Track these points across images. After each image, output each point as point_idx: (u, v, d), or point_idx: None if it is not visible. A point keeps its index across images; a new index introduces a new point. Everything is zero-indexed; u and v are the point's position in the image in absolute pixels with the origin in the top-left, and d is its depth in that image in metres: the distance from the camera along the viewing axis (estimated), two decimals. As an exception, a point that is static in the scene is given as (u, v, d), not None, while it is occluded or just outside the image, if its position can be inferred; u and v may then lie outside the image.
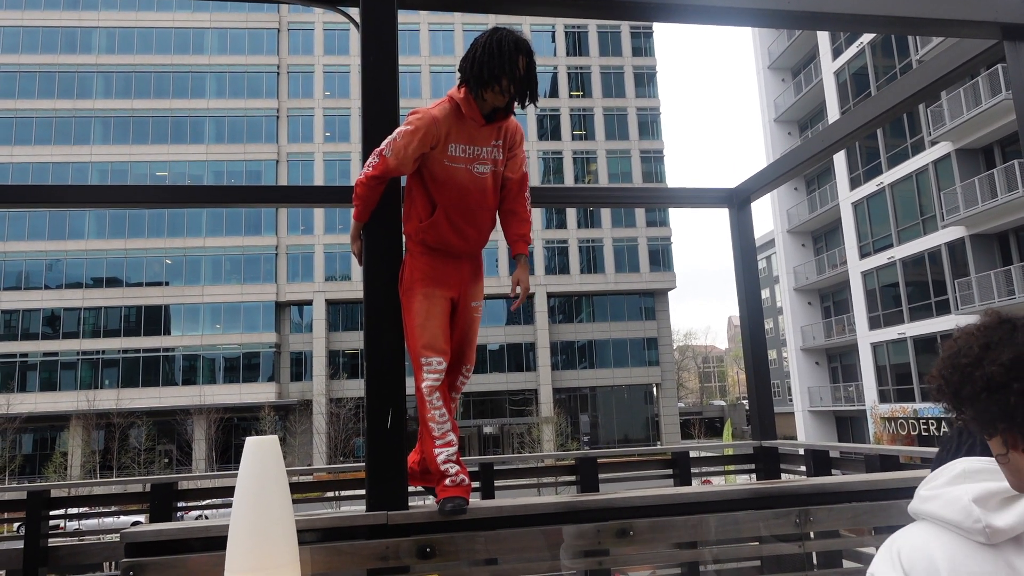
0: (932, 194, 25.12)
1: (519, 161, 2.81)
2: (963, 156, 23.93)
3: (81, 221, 42.72)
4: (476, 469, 4.57)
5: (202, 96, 44.87)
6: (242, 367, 43.04)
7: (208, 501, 5.10)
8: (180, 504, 4.72)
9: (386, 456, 2.36)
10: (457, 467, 2.47)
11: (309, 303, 44.46)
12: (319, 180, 44.74)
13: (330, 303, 44.60)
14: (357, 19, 3.09)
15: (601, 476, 5.02)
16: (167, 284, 43.23)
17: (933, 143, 24.86)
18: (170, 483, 4.59)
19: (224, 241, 43.55)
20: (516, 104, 2.62)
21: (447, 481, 2.43)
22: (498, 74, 2.49)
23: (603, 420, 45.75)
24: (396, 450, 2.37)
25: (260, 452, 1.94)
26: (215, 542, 2.15)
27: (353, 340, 44.40)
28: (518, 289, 2.71)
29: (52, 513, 4.40)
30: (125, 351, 41.77)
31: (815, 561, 2.81)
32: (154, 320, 42.51)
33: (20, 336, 41.17)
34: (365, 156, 2.59)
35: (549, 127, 47.11)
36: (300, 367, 44.37)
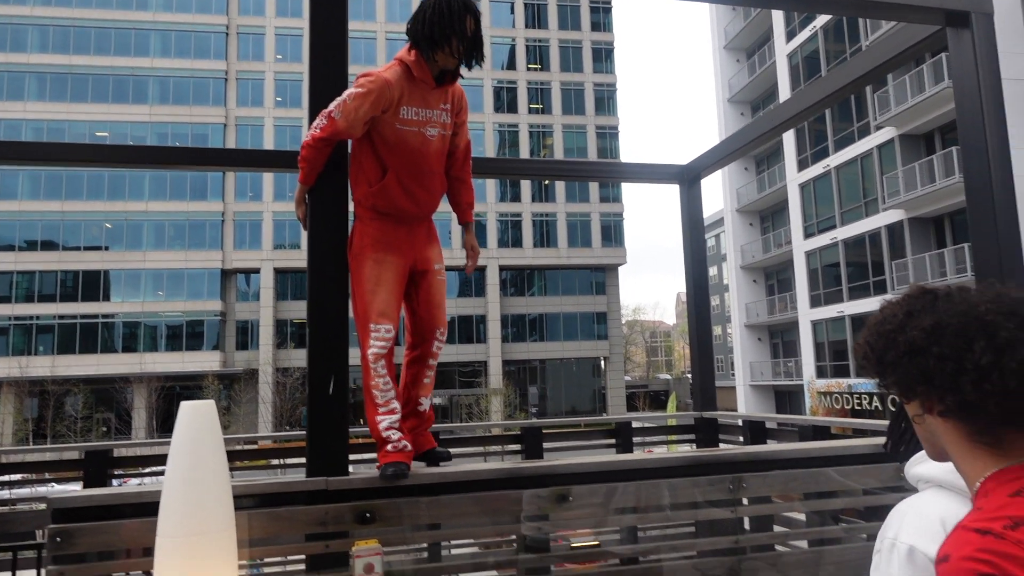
0: (875, 177, 25.89)
1: (466, 128, 2.82)
2: (906, 141, 24.68)
3: (14, 181, 40.75)
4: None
5: (146, 54, 43.02)
6: (185, 335, 42.00)
7: (150, 469, 5.00)
8: (117, 472, 4.61)
9: (327, 422, 2.34)
10: (399, 434, 2.47)
11: (257, 271, 43.52)
12: (269, 146, 43.50)
13: (279, 271, 43.76)
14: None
15: (546, 445, 5.10)
16: (107, 249, 41.68)
17: (878, 128, 25.56)
18: (105, 450, 4.47)
19: (168, 206, 42.15)
20: (463, 67, 2.63)
21: (388, 447, 2.42)
22: (448, 35, 2.49)
23: (551, 392, 46.31)
24: (338, 417, 2.35)
25: (195, 417, 1.90)
26: (148, 508, 2.11)
27: (301, 309, 43.63)
28: (471, 253, 2.83)
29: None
30: (61, 317, 40.29)
31: (747, 526, 2.92)
32: (92, 285, 41.03)
33: (-53, 300, 39.40)
34: (312, 119, 2.52)
35: (506, 99, 46.75)
36: (246, 336, 43.55)
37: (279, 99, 44.58)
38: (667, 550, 2.58)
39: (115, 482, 4.68)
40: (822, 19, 28.79)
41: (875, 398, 26.14)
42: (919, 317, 1.09)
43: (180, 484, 1.82)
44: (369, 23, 45.11)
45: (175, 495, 1.81)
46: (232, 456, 5.94)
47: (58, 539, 2.04)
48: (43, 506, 4.72)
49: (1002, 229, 3.03)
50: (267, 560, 2.46)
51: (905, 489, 2.47)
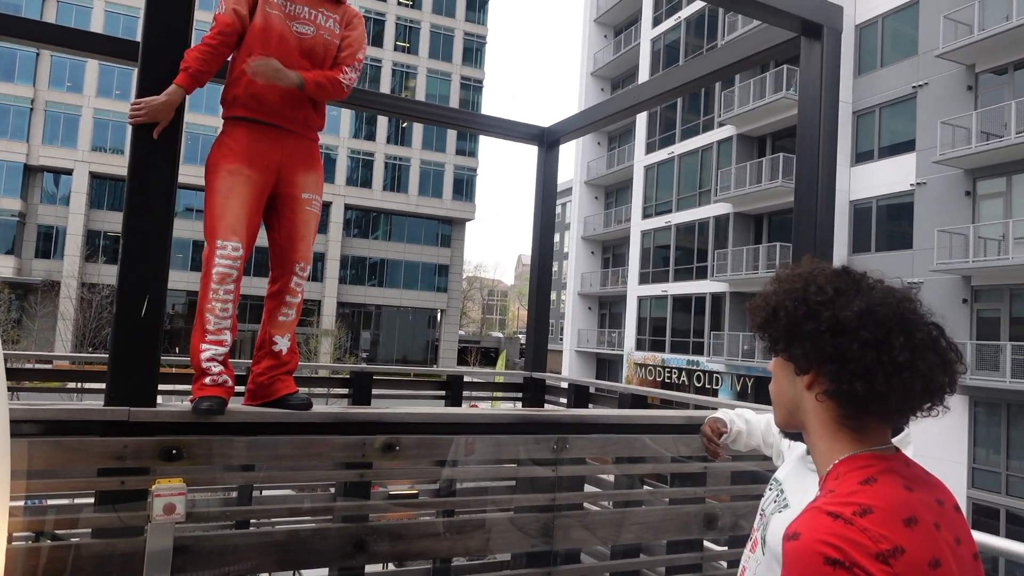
0: (712, 170, 27.78)
1: (351, 52, 2.64)
2: (742, 141, 26.64)
3: None
4: (243, 374, 4.32)
5: None
6: (-28, 233, 36.90)
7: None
8: None
9: (136, 346, 2.11)
10: (221, 367, 2.28)
11: (69, 172, 38.90)
12: (97, 30, 38.64)
13: (95, 176, 39.41)
14: None
15: (375, 392, 5.01)
16: None
17: (721, 124, 27.35)
18: None
19: (-38, 80, 36.39)
20: None
21: (207, 380, 2.23)
22: None
23: (384, 339, 45.97)
24: (149, 341, 2.12)
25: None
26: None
27: (117, 221, 39.64)
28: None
29: None
30: None
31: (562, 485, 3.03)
32: None
33: None
34: (150, 10, 2.21)
35: (372, 32, 44.70)
36: (49, 243, 39.00)
37: (114, -19, 39.62)
38: (487, 504, 2.62)
39: None
40: (688, 10, 30.11)
41: (684, 373, 28.48)
42: (847, 297, 1.10)
43: (-57, 403, 1.56)
44: None
45: (-66, 415, 1.54)
46: (17, 375, 5.30)
47: None
48: None
49: (820, 230, 3.32)
50: (50, 495, 2.20)
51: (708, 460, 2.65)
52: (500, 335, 74.21)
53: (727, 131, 27.10)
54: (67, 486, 2.12)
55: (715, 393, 26.31)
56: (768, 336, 1.19)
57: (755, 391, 24.71)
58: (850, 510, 0.96)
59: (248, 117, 2.46)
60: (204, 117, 36.33)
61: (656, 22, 32.81)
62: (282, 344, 2.53)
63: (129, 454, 2.00)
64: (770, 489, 1.49)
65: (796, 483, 1.43)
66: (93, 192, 39.50)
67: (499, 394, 6.41)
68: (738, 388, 25.72)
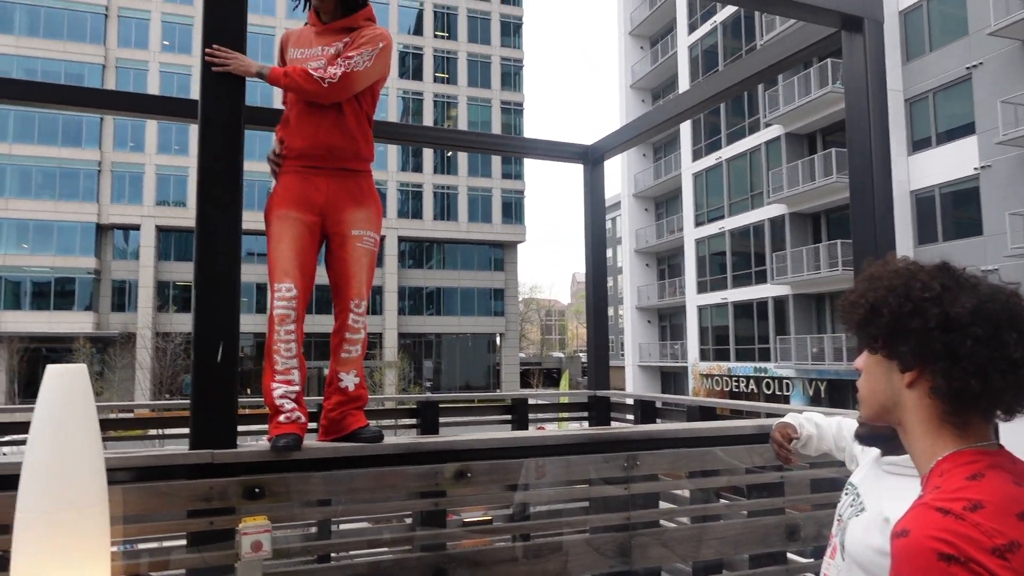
0: (762, 172, 27.28)
1: (350, 52, 2.57)
2: (791, 140, 26.11)
3: None
4: (315, 410, 4.43)
5: (12, -20, 38.98)
6: (53, 293, 38.87)
7: (10, 437, 4.59)
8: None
9: (214, 391, 2.20)
10: (294, 404, 2.36)
11: (136, 228, 40.76)
12: (154, 92, 40.65)
13: (161, 230, 41.18)
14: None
15: (442, 420, 5.07)
16: (-39, 194, 37.85)
17: (767, 125, 26.89)
18: (-45, 416, 4.05)
19: (36, 150, 38.59)
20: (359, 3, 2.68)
21: (281, 417, 2.31)
22: None
23: (446, 366, 46.33)
24: (226, 385, 2.22)
25: (64, 381, 1.74)
26: (7, 481, 1.92)
27: (185, 271, 41.33)
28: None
29: None
30: (-95, 267, 36.39)
31: (637, 503, 3.01)
32: (-57, 234, 37.23)
33: None
34: (203, 66, 2.34)
35: (412, 66, 45.75)
36: (123, 297, 40.82)
37: (166, 43, 41.61)
38: (562, 527, 2.62)
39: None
40: (723, 14, 29.85)
41: (751, 381, 27.80)
42: (955, 293, 1.08)
43: (45, 454, 1.66)
44: None
45: (38, 467, 1.65)
46: (103, 425, 5.56)
47: None
48: None
49: (879, 225, 3.24)
50: (144, 538, 2.31)
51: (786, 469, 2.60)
52: (561, 355, 73.95)
53: (775, 131, 26.62)
54: (160, 529, 2.22)
55: (786, 400, 25.59)
56: (867, 334, 1.17)
57: (828, 395, 23.91)
58: (960, 505, 0.94)
59: (293, 164, 2.58)
60: (258, 164, 37.68)
61: (691, 29, 32.62)
62: (348, 380, 2.58)
63: (215, 495, 2.08)
64: (846, 494, 1.47)
65: (872, 486, 1.40)
66: (160, 244, 41.25)
67: (564, 414, 6.39)
68: (810, 393, 24.94)
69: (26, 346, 36.50)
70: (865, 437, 1.45)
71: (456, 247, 46.69)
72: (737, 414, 5.25)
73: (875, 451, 1.46)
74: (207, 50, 2.30)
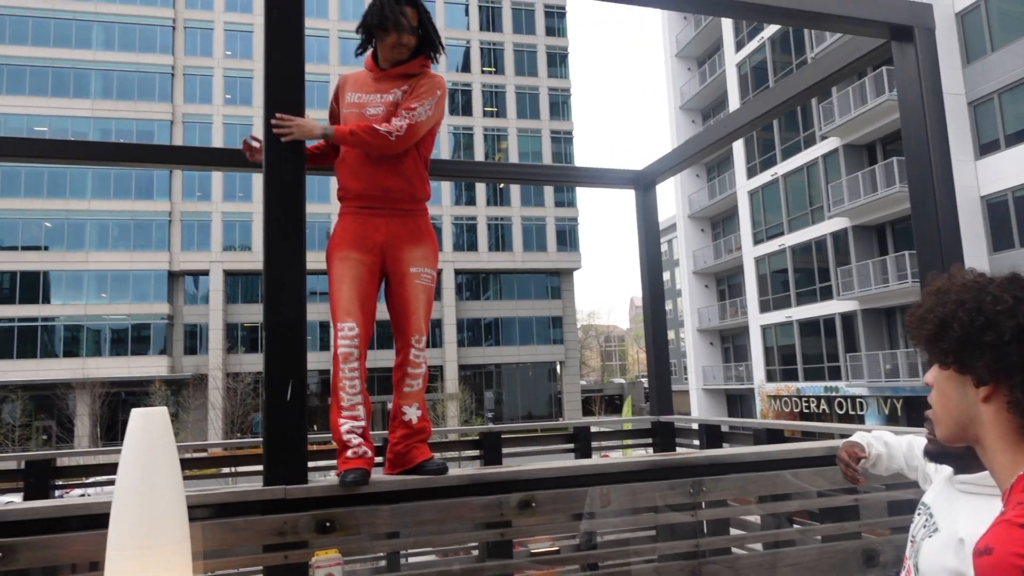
0: (821, 186, 26.65)
1: (409, 103, 2.65)
2: (849, 151, 25.47)
3: (-55, 177, 39.00)
4: (380, 444, 4.52)
5: (88, 46, 41.60)
6: (131, 339, 40.70)
7: (94, 479, 4.82)
8: (59, 482, 4.43)
9: (285, 429, 2.29)
10: (360, 439, 2.42)
11: (205, 273, 42.45)
12: (218, 144, 42.54)
13: (228, 274, 42.78)
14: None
15: (504, 450, 5.08)
16: (46, 249, 40.13)
17: (823, 138, 26.32)
18: (47, 459, 4.29)
19: (112, 204, 40.80)
20: (432, 56, 2.75)
21: (349, 453, 2.38)
22: (386, 27, 2.63)
23: (507, 396, 46.31)
24: (296, 423, 2.30)
25: (147, 424, 1.84)
26: (96, 520, 2.03)
27: (252, 313, 42.76)
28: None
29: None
30: (-2, 320, 38.68)
31: (705, 529, 2.96)
32: (31, 287, 39.44)
33: None
34: (267, 117, 2.47)
35: (460, 102, 46.68)
36: (195, 340, 42.42)
37: (228, 96, 43.63)
38: (628, 555, 2.60)
39: (57, 493, 4.49)
40: (770, 30, 29.55)
41: (822, 401, 26.87)
42: None
43: (132, 494, 1.76)
44: (322, 20, 44.55)
45: (126, 506, 1.74)
46: (184, 465, 5.77)
47: (0, 554, 1.94)
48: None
49: (944, 235, 3.15)
50: (223, 572, 2.39)
51: (857, 492, 2.52)
52: (622, 381, 73.03)
53: (831, 143, 26.03)
54: (238, 563, 2.31)
55: (860, 419, 24.61)
56: (938, 349, 1.15)
57: (905, 412, 22.90)
58: None
59: (351, 205, 2.68)
60: (317, 206, 38.89)
61: (739, 47, 32.37)
62: (411, 414, 2.64)
63: (288, 529, 2.15)
64: (919, 514, 1.42)
65: (945, 506, 1.36)
66: (227, 288, 42.81)
67: (628, 441, 6.32)
68: (886, 411, 23.93)
69: (107, 391, 38.18)
70: (935, 454, 1.41)
71: (512, 277, 46.95)
72: (809, 436, 5.10)
73: (948, 469, 1.42)
74: (272, 120, 2.43)
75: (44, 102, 40.49)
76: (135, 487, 1.75)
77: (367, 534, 2.25)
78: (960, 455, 1.32)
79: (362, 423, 2.47)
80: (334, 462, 2.50)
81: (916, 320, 1.20)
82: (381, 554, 2.87)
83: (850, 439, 1.95)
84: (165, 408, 1.87)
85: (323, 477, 2.48)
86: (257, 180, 43.45)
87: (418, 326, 2.69)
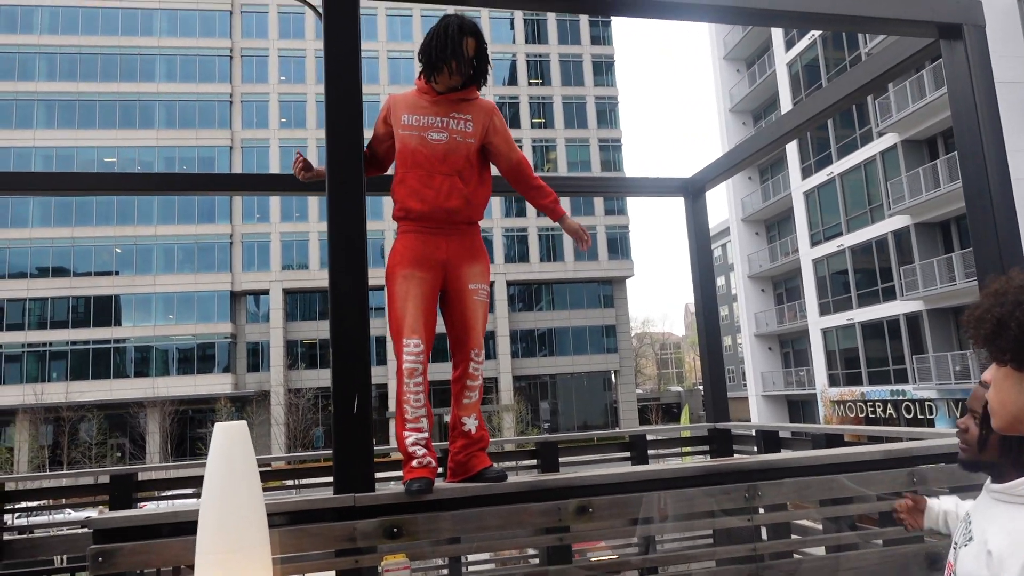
0: (880, 184, 25.90)
1: (510, 146, 2.97)
2: (908, 147, 24.71)
3: (25, 208, 41.24)
4: (441, 455, 4.64)
5: (151, 80, 43.60)
6: (196, 358, 42.21)
7: (169, 492, 5.07)
8: (140, 495, 4.69)
9: (353, 440, 2.42)
10: (424, 450, 2.53)
11: (266, 292, 43.77)
12: (275, 166, 43.93)
13: (287, 292, 43.99)
14: (318, 5, 3.12)
15: (561, 460, 5.14)
16: (117, 274, 42.06)
17: (880, 134, 25.61)
18: (130, 474, 4.55)
19: (176, 229, 42.54)
20: (476, 83, 2.85)
21: (414, 463, 2.50)
22: (447, 57, 2.72)
23: (563, 407, 46.20)
24: (363, 434, 2.43)
25: (229, 437, 1.97)
26: (184, 527, 2.19)
27: (311, 330, 43.84)
28: (580, 233, 3.10)
29: (10, 507, 4.33)
30: (74, 343, 40.59)
31: (764, 534, 2.97)
32: (104, 311, 41.35)
33: (-39, 328, 39.71)
34: (329, 140, 2.63)
35: (508, 115, 47.07)
36: (257, 357, 43.71)
37: (283, 120, 45.05)
38: (686, 560, 2.64)
39: (138, 505, 4.75)
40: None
41: (889, 405, 26.00)
42: None
43: (216, 503, 1.89)
44: (371, 42, 45.64)
45: (212, 513, 1.88)
46: (251, 477, 5.99)
47: (99, 559, 2.11)
48: (59, 532, 4.80)
49: (1002, 232, 3.10)
50: (298, 576, 2.53)
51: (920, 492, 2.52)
52: (679, 389, 71.98)
53: (889, 139, 25.31)
54: (312, 568, 2.44)
55: (930, 423, 23.72)
56: (996, 347, 1.22)
57: (978, 415, 21.93)
58: None
59: (411, 225, 2.79)
60: (370, 223, 39.74)
61: (789, 45, 31.81)
62: (470, 424, 2.76)
63: (359, 535, 2.27)
64: (962, 521, 1.46)
65: (981, 514, 1.39)
66: (287, 306, 44.00)
67: (686, 449, 6.30)
68: (956, 414, 23.00)
69: (175, 408, 39.64)
70: (968, 463, 1.45)
71: (564, 287, 46.92)
72: (874, 441, 5.00)
73: (987, 478, 1.44)
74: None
75: (113, 134, 42.54)
76: (219, 496, 1.89)
77: (432, 539, 2.35)
78: (993, 463, 1.36)
79: (425, 435, 2.59)
80: (395, 473, 2.62)
81: (974, 320, 1.26)
82: (442, 560, 2.98)
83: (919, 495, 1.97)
84: (244, 422, 2.01)
85: (389, 486, 2.60)
86: (312, 201, 44.69)
87: (477, 340, 2.80)
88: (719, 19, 3.40)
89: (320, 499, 2.31)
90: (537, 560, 2.95)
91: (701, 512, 2.59)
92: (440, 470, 2.92)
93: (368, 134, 2.87)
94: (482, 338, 2.84)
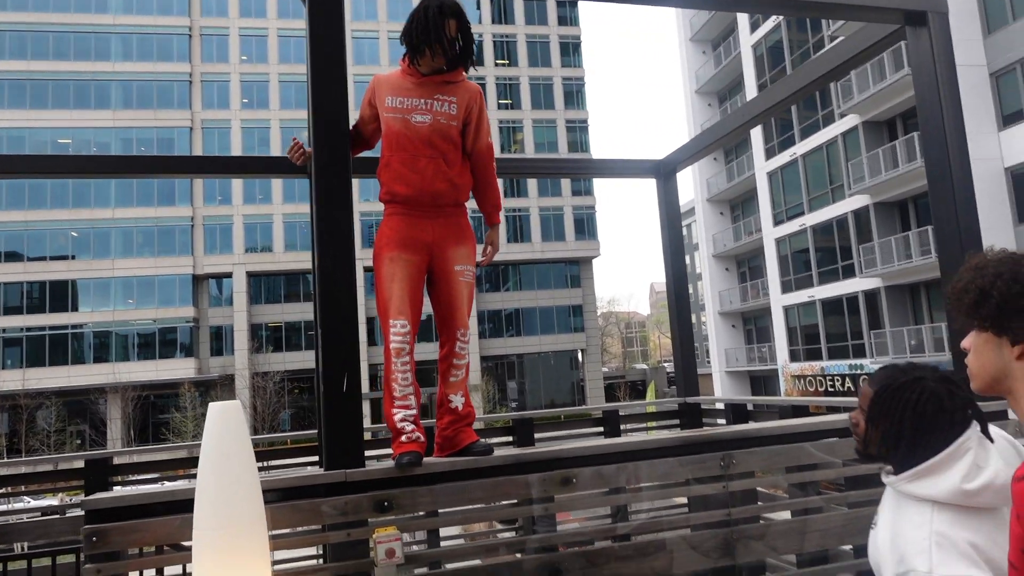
0: (841, 164, 26.46)
1: (483, 132, 2.94)
2: (869, 128, 25.25)
3: (-26, 191, 39.90)
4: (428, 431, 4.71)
5: (107, 59, 42.25)
6: (158, 343, 41.48)
7: (136, 477, 5.06)
8: (114, 480, 4.67)
9: (343, 417, 2.47)
10: (413, 425, 2.60)
11: (229, 275, 43.08)
12: (236, 148, 43.05)
13: (251, 275, 43.36)
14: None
15: (536, 436, 5.25)
16: (73, 258, 40.98)
17: (842, 116, 26.11)
18: (105, 458, 4.53)
19: (135, 212, 41.52)
20: (463, 64, 2.85)
21: (403, 438, 2.56)
22: (429, 40, 2.71)
23: (530, 386, 46.57)
24: (352, 412, 2.48)
25: (223, 416, 2.01)
26: (177, 505, 2.22)
27: (276, 313, 43.35)
28: (489, 249, 3.05)
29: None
30: (29, 329, 39.54)
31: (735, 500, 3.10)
32: (60, 296, 40.31)
33: (-90, 315, 38.39)
34: (315, 128, 2.63)
35: (474, 95, 46.69)
36: (220, 341, 43.11)
37: (245, 101, 44.11)
38: (665, 526, 2.76)
39: (111, 489, 4.73)
40: (784, 9, 29.26)
41: (847, 379, 26.77)
42: None
43: (213, 480, 1.93)
44: (371, 23, 44.91)
45: (209, 490, 1.92)
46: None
47: (94, 538, 2.14)
48: (17, 519, 4.76)
49: (961, 212, 3.25)
50: (290, 551, 2.58)
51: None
52: (645, 367, 72.97)
53: (850, 121, 25.82)
54: (304, 542, 2.49)
55: (887, 397, 24.45)
56: (978, 315, 1.37)
57: (933, 389, 22.71)
58: None
59: (398, 208, 2.82)
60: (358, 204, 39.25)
61: (754, 28, 32.13)
62: (457, 401, 2.84)
63: (350, 509, 2.33)
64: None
65: (885, 501, 1.55)
66: (251, 289, 43.40)
67: (654, 423, 6.46)
68: (912, 388, 23.76)
69: (137, 394, 38.97)
70: (862, 455, 1.59)
71: (532, 267, 47.09)
72: (835, 411, 5.20)
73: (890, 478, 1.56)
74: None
75: (67, 114, 41.21)
76: (215, 473, 1.93)
77: (423, 511, 2.42)
78: (883, 456, 1.51)
79: (413, 411, 2.65)
80: (380, 452, 2.68)
81: (957, 292, 1.41)
82: (435, 528, 3.05)
83: None
84: (238, 401, 2.05)
85: (378, 462, 2.66)
86: (276, 184, 43.93)
87: (463, 321, 2.87)
88: (693, 4, 3.47)
89: (312, 475, 2.37)
90: (514, 533, 3.04)
91: (680, 480, 2.70)
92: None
93: (355, 115, 2.88)
94: (467, 318, 2.90)
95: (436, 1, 2.74)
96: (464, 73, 2.89)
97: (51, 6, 41.80)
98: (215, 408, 2.01)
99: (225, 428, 2.00)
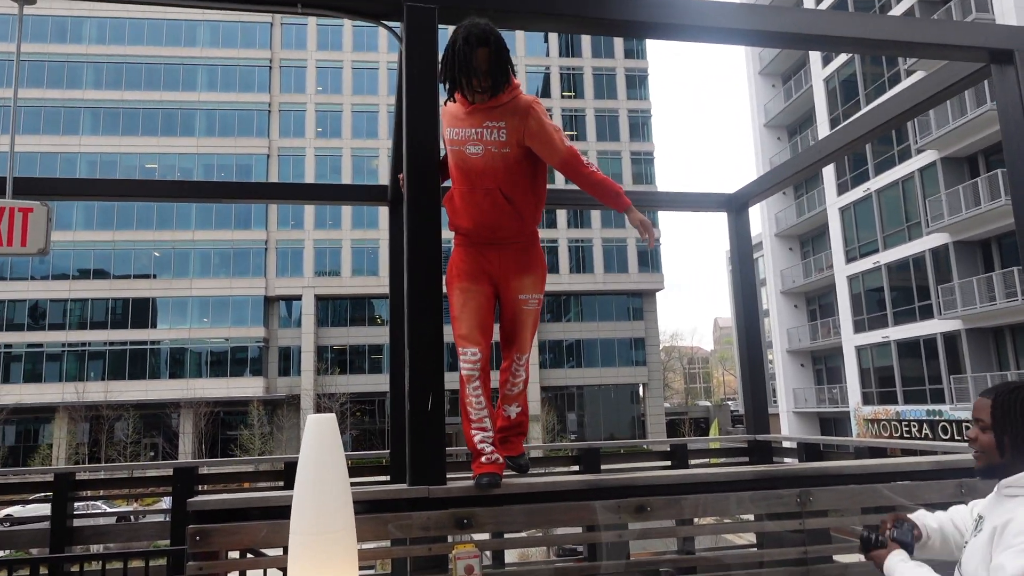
0: (917, 201, 25.59)
1: (554, 143, 2.79)
2: (948, 164, 24.40)
3: (69, 212, 42.45)
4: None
5: (193, 89, 44.71)
6: (229, 361, 42.94)
7: (229, 485, 5.29)
8: (201, 488, 4.90)
9: (427, 436, 2.58)
10: (492, 447, 2.69)
11: (298, 298, 44.44)
12: (310, 175, 44.71)
13: (319, 298, 44.61)
14: (396, 29, 3.25)
15: (603, 466, 5.26)
16: (155, 277, 43.06)
17: (919, 151, 25.32)
18: (192, 467, 4.77)
19: (213, 235, 43.45)
20: (501, 89, 2.72)
21: (482, 459, 2.65)
22: (458, 75, 2.66)
23: (589, 419, 46.07)
24: (436, 431, 2.59)
25: (320, 428, 2.14)
26: (273, 511, 2.36)
27: (341, 336, 44.38)
28: (641, 230, 2.92)
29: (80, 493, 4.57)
30: (111, 343, 41.58)
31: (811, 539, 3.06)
32: (141, 313, 42.33)
33: (4, 327, 40.87)
34: (397, 162, 2.78)
35: (541, 127, 47.20)
36: (288, 362, 44.34)
37: (319, 130, 45.82)
38: (735, 565, 2.75)
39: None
40: (859, 43, 28.71)
41: (925, 425, 25.56)
42: None
43: (311, 487, 2.05)
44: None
45: (306, 497, 2.04)
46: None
47: (197, 537, 2.30)
48: (101, 522, 5.01)
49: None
50: (374, 562, 2.69)
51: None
52: (707, 403, 71.26)
53: (928, 156, 25.01)
54: (388, 554, 2.60)
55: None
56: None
57: (1018, 438, 21.46)
58: None
59: (463, 240, 2.93)
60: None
61: (826, 61, 31.62)
62: (511, 411, 3.06)
63: (432, 524, 2.43)
64: (973, 520, 1.61)
65: (991, 511, 1.54)
66: (318, 312, 44.62)
67: (722, 460, 6.36)
68: (995, 437, 22.49)
69: (208, 410, 40.36)
70: (984, 471, 1.60)
71: (593, 299, 46.89)
72: (909, 455, 5.04)
73: (992, 493, 1.59)
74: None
75: (155, 141, 43.70)
76: (312, 481, 2.06)
77: (501, 530, 2.50)
78: (1007, 464, 1.51)
79: (491, 433, 2.75)
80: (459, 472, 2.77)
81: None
82: (513, 549, 3.12)
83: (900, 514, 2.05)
84: (333, 415, 2.18)
85: (460, 481, 2.75)
86: (346, 210, 45.33)
87: (521, 346, 3.01)
88: (759, 42, 3.53)
89: (398, 490, 2.48)
90: (595, 554, 3.07)
91: (753, 515, 2.70)
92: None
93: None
94: (528, 344, 3.02)
95: (463, 32, 2.64)
96: (516, 90, 2.78)
97: (145, 39, 44.60)
98: (313, 420, 2.15)
99: (322, 439, 2.13)
